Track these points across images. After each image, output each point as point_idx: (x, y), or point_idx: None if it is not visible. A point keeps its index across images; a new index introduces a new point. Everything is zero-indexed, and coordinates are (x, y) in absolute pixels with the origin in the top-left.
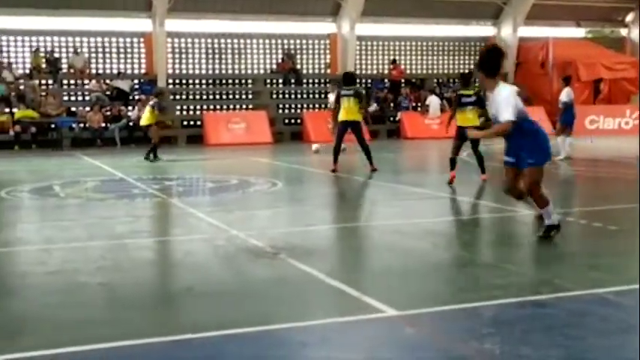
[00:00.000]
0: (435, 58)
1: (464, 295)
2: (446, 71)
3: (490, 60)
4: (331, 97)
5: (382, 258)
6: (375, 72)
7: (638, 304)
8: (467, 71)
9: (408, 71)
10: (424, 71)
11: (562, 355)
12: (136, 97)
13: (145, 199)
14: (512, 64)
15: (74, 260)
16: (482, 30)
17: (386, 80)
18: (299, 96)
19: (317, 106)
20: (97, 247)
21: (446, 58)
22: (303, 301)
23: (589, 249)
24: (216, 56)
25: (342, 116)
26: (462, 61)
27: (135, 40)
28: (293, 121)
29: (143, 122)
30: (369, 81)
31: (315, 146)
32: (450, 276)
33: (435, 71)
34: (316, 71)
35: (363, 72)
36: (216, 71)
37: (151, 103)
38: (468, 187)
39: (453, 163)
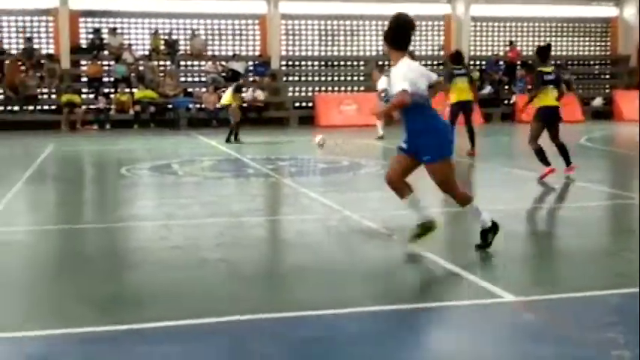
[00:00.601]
0: (552, 39)
1: (583, 283)
2: (564, 53)
3: (399, 30)
4: (380, 84)
5: (498, 242)
6: (489, 53)
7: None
8: (545, 45)
9: (524, 53)
10: None
11: None
12: (250, 79)
13: (259, 178)
14: (634, 46)
15: (194, 237)
16: (603, 11)
17: (501, 62)
18: None
19: None
20: (216, 224)
21: (565, 39)
22: (418, 283)
23: None
24: (329, 38)
25: (456, 97)
26: (581, 43)
27: (250, 22)
28: None
29: (222, 102)
30: (483, 63)
31: (318, 138)
32: (569, 263)
33: (553, 53)
34: (429, 53)
35: (477, 53)
36: (329, 53)
37: (234, 85)
38: (586, 172)
39: (541, 155)
